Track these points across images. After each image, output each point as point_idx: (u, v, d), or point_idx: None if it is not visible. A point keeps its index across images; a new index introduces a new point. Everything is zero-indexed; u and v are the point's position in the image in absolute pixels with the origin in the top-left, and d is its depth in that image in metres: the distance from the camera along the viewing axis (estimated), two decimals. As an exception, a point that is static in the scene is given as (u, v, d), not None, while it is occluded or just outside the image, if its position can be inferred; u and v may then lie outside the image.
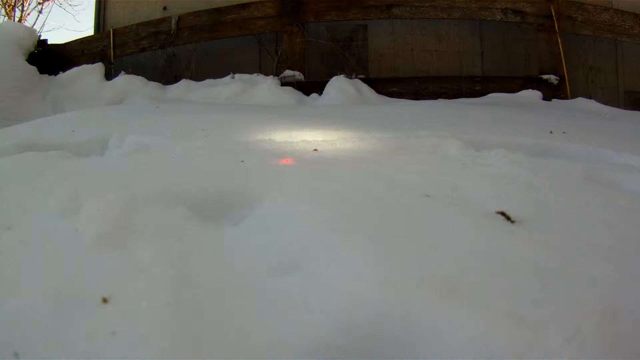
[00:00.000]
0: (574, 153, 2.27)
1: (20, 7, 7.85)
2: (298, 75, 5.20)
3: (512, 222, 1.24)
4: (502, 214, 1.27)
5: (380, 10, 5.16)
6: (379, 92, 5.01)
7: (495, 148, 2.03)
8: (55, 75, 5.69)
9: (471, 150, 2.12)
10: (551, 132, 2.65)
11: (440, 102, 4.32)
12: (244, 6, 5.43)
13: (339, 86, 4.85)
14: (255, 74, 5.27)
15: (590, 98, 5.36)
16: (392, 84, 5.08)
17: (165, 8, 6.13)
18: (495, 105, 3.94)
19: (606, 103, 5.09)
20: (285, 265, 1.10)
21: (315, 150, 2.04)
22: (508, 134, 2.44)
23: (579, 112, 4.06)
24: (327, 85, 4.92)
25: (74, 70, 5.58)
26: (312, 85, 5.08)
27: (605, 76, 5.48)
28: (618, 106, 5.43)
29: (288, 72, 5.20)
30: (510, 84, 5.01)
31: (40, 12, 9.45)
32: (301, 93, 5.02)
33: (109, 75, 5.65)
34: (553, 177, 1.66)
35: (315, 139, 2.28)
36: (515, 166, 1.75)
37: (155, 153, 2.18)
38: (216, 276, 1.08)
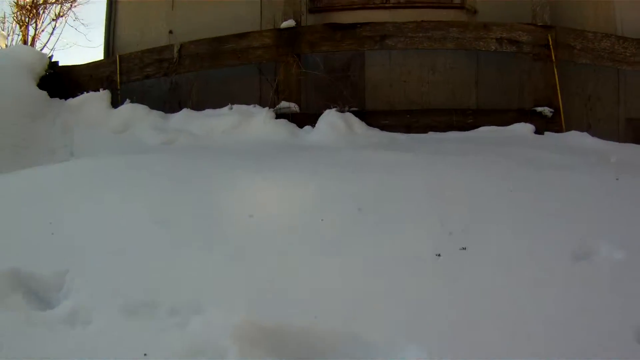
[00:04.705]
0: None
1: (34, 25, 8.13)
2: (294, 107, 5.31)
3: None
4: None
5: (374, 41, 5.19)
6: (371, 124, 5.07)
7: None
8: (65, 99, 5.94)
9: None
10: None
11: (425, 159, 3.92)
12: (242, 35, 5.53)
13: (329, 121, 4.95)
14: (252, 106, 5.41)
15: (589, 127, 5.31)
16: (384, 117, 5.14)
17: (171, 32, 6.31)
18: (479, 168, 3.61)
19: (604, 133, 5.04)
20: None
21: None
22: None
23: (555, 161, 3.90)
24: (319, 120, 5.02)
25: (82, 97, 5.82)
26: (306, 118, 5.19)
27: (604, 104, 5.38)
28: (618, 135, 5.36)
29: (284, 104, 5.32)
30: (503, 116, 5.00)
31: (51, 33, 9.84)
32: (295, 126, 5.14)
33: (116, 101, 5.87)
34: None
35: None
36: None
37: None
38: None
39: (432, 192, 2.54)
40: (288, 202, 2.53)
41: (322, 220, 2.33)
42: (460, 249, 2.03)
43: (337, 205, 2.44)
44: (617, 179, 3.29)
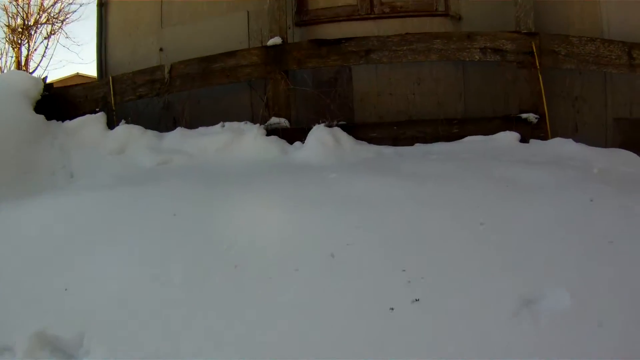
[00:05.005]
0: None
1: (26, 46, 8.25)
2: (284, 122, 5.42)
3: None
4: None
5: (359, 56, 5.25)
6: (359, 137, 5.16)
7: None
8: (62, 121, 6.07)
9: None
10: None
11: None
12: (230, 54, 5.62)
13: (318, 137, 5.04)
14: (243, 122, 5.51)
15: (577, 131, 5.36)
16: (372, 130, 5.23)
17: (161, 49, 6.42)
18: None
19: (592, 136, 5.08)
20: None
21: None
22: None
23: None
24: (308, 135, 5.11)
25: (79, 120, 5.94)
26: (296, 133, 5.28)
27: (591, 106, 5.42)
28: (605, 138, 5.41)
29: (274, 120, 5.42)
30: (489, 125, 5.06)
31: (43, 54, 9.95)
32: (285, 142, 5.23)
33: (112, 122, 6.00)
34: None
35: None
36: None
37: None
38: None
39: (404, 233, 2.67)
40: (268, 251, 2.68)
41: (296, 270, 2.47)
42: (413, 301, 2.17)
43: (312, 252, 2.58)
44: (591, 200, 3.39)
